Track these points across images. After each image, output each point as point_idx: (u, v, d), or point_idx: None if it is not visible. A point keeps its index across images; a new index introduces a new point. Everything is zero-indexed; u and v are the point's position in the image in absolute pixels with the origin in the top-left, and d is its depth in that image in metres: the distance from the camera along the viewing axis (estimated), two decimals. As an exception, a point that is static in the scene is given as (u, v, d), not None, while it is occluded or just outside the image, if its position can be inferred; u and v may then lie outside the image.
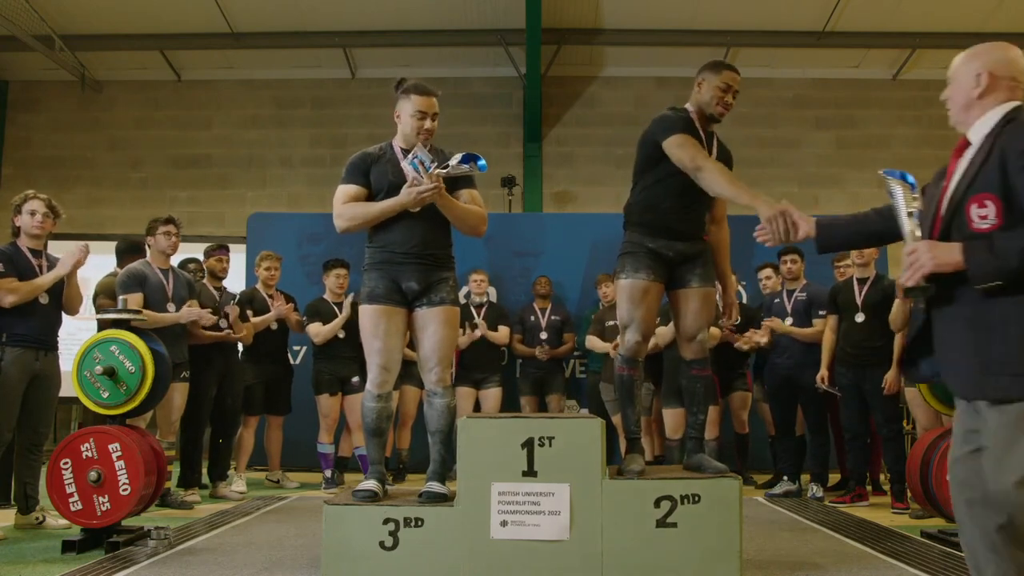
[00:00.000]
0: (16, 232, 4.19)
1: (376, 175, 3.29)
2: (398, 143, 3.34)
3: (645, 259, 3.31)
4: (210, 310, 5.13)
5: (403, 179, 3.20)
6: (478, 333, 6.21)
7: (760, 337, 5.67)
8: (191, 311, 4.93)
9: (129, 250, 5.25)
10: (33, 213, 4.13)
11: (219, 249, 5.73)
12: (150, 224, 5.00)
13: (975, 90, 2.18)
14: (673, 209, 3.30)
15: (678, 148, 3.14)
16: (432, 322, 3.26)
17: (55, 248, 4.42)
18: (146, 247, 5.03)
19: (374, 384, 3.28)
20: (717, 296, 3.58)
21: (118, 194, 9.76)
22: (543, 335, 6.44)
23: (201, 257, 5.88)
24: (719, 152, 3.37)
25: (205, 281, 5.63)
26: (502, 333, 6.35)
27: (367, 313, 3.26)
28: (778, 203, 2.53)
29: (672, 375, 5.62)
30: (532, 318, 6.53)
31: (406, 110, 3.29)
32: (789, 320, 5.56)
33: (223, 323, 5.44)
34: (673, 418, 5.65)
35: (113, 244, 5.45)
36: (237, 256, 6.62)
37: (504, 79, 9.73)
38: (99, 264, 5.31)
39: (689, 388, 3.42)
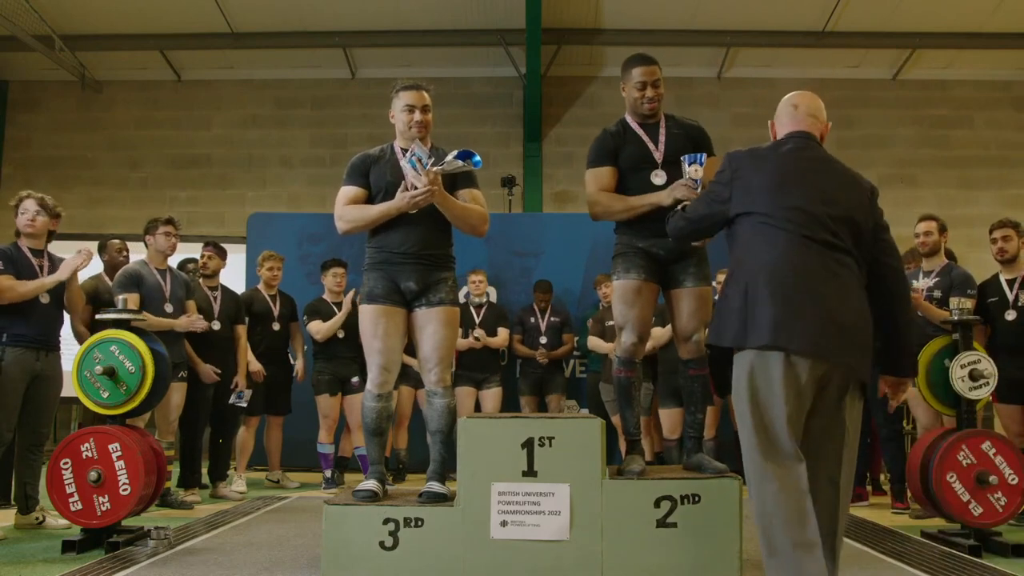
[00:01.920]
0: (19, 232, 4.21)
1: (375, 175, 3.32)
2: (398, 144, 3.37)
3: (636, 259, 3.31)
4: (198, 316, 5.06)
5: (401, 179, 3.22)
6: (476, 339, 6.20)
7: None
8: (188, 321, 4.90)
9: (101, 246, 5.31)
10: (25, 212, 4.15)
11: (205, 247, 5.69)
12: (149, 223, 5.00)
13: (772, 129, 2.64)
14: (658, 209, 3.28)
15: (586, 184, 3.37)
16: (431, 322, 3.26)
17: (55, 248, 4.41)
18: (144, 245, 5.03)
19: (374, 384, 3.28)
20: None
21: (118, 194, 9.76)
22: (543, 339, 6.43)
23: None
24: (670, 142, 3.33)
25: (201, 281, 5.63)
26: (500, 337, 6.35)
27: (367, 313, 3.27)
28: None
29: (668, 375, 5.63)
30: (532, 319, 6.52)
31: (397, 107, 3.35)
32: None
33: (215, 325, 5.43)
34: (670, 418, 5.65)
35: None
36: (237, 256, 6.62)
37: (504, 79, 9.73)
38: (100, 265, 5.32)
39: (687, 388, 3.42)
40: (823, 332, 2.27)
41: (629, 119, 3.41)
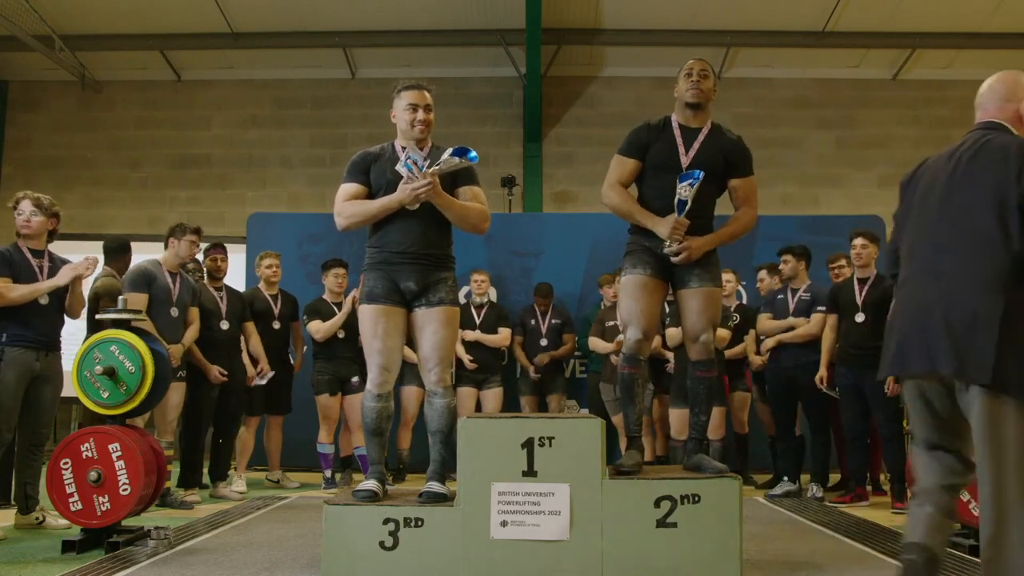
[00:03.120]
0: (20, 232, 4.20)
1: (376, 173, 3.32)
2: (399, 143, 3.38)
3: (644, 256, 3.33)
4: (179, 354, 4.97)
5: (399, 177, 3.22)
6: (473, 332, 6.23)
7: (758, 359, 5.83)
8: (174, 355, 4.82)
9: (119, 249, 5.25)
10: (20, 213, 4.15)
11: (214, 248, 5.69)
12: (177, 227, 5.02)
13: None
14: (664, 209, 3.30)
15: (609, 168, 3.42)
16: (431, 322, 3.26)
17: (56, 248, 4.40)
18: (164, 246, 5.03)
19: (374, 384, 3.28)
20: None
21: (118, 194, 9.76)
22: (543, 341, 6.44)
23: (200, 257, 5.89)
24: (703, 151, 3.33)
25: (205, 282, 5.64)
26: (501, 335, 6.35)
27: (366, 313, 3.27)
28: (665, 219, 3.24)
29: (681, 375, 5.62)
30: (532, 322, 6.53)
31: (398, 107, 3.34)
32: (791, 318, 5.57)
33: (224, 324, 5.45)
34: (680, 418, 5.63)
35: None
36: (237, 256, 6.61)
37: (504, 79, 9.73)
38: (100, 266, 5.31)
39: (693, 389, 3.42)
40: (895, 347, 2.32)
41: (673, 118, 3.42)
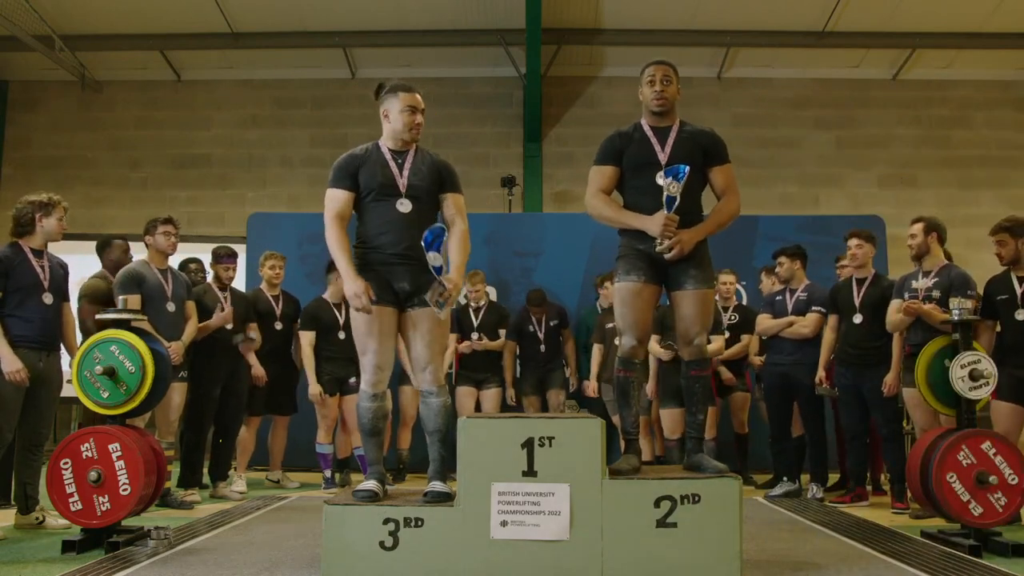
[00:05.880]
0: (17, 231, 4.17)
1: (365, 177, 3.31)
2: (385, 143, 3.37)
3: (637, 261, 3.34)
4: (181, 351, 4.95)
5: (391, 179, 3.26)
6: (477, 342, 6.23)
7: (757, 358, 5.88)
8: (176, 351, 4.80)
9: (102, 246, 5.28)
10: (61, 219, 4.20)
11: (227, 258, 5.64)
12: (149, 224, 4.99)
13: None
14: (650, 207, 3.31)
15: (588, 181, 3.46)
16: (424, 323, 3.27)
17: (54, 248, 4.39)
18: (144, 245, 5.02)
19: (369, 384, 3.29)
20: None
21: (118, 194, 9.75)
22: (542, 347, 6.42)
23: (201, 256, 5.86)
24: (678, 146, 3.36)
25: (210, 282, 5.63)
26: (503, 340, 6.35)
27: (360, 313, 3.27)
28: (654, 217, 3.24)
29: (667, 376, 5.64)
30: (530, 328, 6.46)
31: (395, 107, 3.33)
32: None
33: (229, 325, 5.46)
34: (670, 418, 5.66)
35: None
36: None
37: (504, 79, 9.72)
38: (96, 265, 5.31)
39: (688, 388, 3.43)
40: None
41: (643, 121, 3.46)
